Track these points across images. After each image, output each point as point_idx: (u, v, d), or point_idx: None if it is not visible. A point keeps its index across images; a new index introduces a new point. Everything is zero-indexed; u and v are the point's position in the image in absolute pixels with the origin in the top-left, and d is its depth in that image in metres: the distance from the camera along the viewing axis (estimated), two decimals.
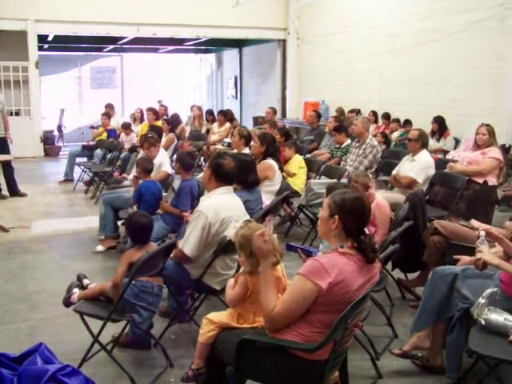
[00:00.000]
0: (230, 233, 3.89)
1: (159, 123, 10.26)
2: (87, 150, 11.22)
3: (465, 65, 9.68)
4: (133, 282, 3.64)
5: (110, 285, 3.79)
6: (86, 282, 4.14)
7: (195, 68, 23.08)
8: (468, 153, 6.88)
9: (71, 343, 4.09)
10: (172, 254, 4.03)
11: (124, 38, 16.00)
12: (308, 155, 8.90)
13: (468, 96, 9.58)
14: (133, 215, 4.32)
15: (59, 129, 18.42)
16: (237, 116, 14.89)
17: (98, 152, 10.65)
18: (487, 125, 6.56)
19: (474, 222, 4.21)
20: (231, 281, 3.19)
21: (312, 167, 7.69)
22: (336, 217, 2.80)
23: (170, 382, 3.70)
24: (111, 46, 18.64)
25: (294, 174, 7.35)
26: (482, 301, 3.33)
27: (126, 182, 7.49)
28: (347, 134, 8.45)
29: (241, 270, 3.27)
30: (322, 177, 7.26)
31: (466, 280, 3.64)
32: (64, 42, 16.84)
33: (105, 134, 11.35)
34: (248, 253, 3.02)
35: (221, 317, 3.08)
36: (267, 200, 5.82)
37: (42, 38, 14.51)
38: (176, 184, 7.05)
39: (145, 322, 3.85)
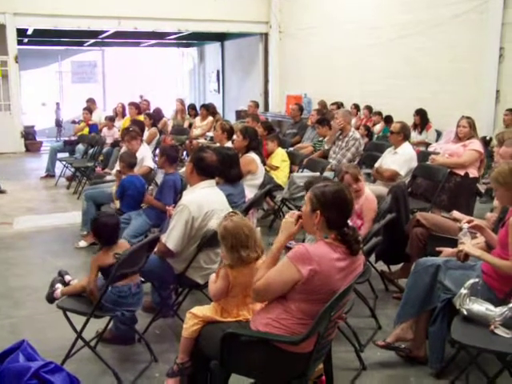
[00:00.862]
0: (214, 223, 3.86)
1: (141, 118, 10.20)
2: (69, 145, 11.11)
3: (445, 58, 9.75)
4: (110, 288, 3.61)
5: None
6: (67, 278, 4.08)
7: (177, 62, 22.97)
8: (449, 145, 6.92)
9: (54, 340, 4.05)
10: (155, 249, 4.01)
11: (105, 31, 15.87)
12: (291, 148, 8.90)
13: (449, 89, 9.65)
14: (98, 216, 4.07)
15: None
16: (219, 110, 14.84)
17: (80, 147, 10.56)
18: (468, 117, 6.61)
19: (456, 214, 4.25)
20: (213, 275, 3.19)
21: (295, 160, 7.70)
22: (317, 212, 2.79)
23: (155, 377, 3.69)
24: (92, 40, 18.49)
25: (277, 168, 7.35)
26: (463, 291, 3.36)
27: (108, 177, 7.44)
28: (330, 126, 8.46)
29: (222, 263, 3.27)
30: (305, 170, 7.27)
31: (449, 271, 3.67)
32: (44, 36, 16.67)
33: (86, 129, 11.26)
34: (229, 246, 3.01)
35: (204, 311, 3.08)
36: (250, 194, 5.82)
37: (21, 32, 14.33)
38: (159, 178, 7.02)
39: (128, 318, 3.84)
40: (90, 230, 4.25)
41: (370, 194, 4.85)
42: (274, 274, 2.77)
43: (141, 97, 15.65)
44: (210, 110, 11.96)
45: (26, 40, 17.05)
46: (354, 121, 10.39)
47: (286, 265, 2.72)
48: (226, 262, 3.06)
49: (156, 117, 10.74)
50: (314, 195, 2.82)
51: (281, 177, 7.27)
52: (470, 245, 3.67)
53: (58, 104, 18.79)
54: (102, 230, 3.87)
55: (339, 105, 11.61)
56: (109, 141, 10.08)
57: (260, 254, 3.05)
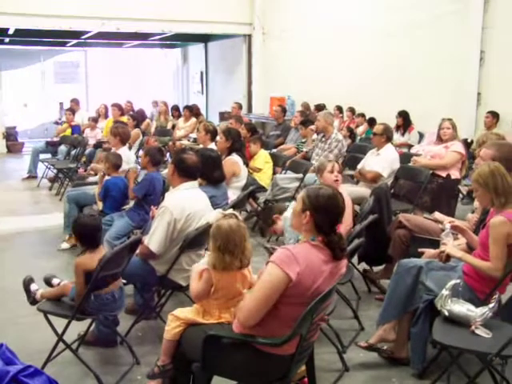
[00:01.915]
0: (210, 217, 3.78)
1: (124, 119, 10.15)
2: (51, 147, 11.04)
3: (427, 61, 9.82)
4: (92, 298, 3.59)
5: (72, 286, 3.71)
6: (55, 282, 4.02)
7: (161, 63, 22.88)
8: (431, 147, 6.98)
9: (35, 343, 4.02)
10: (137, 251, 3.99)
11: (88, 32, 15.75)
12: (274, 150, 8.91)
13: (431, 91, 9.71)
14: (79, 218, 4.00)
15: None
16: (203, 111, 14.81)
17: (62, 148, 10.50)
18: (449, 119, 6.67)
19: (438, 215, 4.29)
20: (195, 273, 3.10)
21: (278, 162, 7.71)
22: (307, 212, 2.78)
23: (137, 380, 3.67)
24: (75, 41, 18.34)
25: (261, 170, 7.35)
26: (445, 292, 3.39)
27: (90, 179, 7.40)
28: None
29: (202, 261, 3.20)
30: (288, 171, 7.28)
31: (430, 272, 3.70)
32: (26, 36, 16.49)
33: (69, 130, 11.19)
34: (216, 246, 2.94)
35: (186, 313, 3.06)
36: (233, 195, 5.82)
37: (2, 32, 14.17)
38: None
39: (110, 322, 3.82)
40: (72, 231, 4.20)
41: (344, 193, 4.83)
42: (260, 287, 2.69)
43: (128, 102, 15.55)
44: (193, 111, 11.95)
45: (7, 40, 16.88)
46: (337, 122, 10.43)
47: (273, 270, 2.65)
48: (208, 262, 3.02)
49: (139, 118, 10.70)
50: (307, 196, 2.81)
51: (264, 178, 7.27)
52: (451, 246, 3.71)
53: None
54: (83, 232, 3.79)
55: (322, 107, 11.64)
56: (91, 142, 10.03)
57: (245, 265, 3.00)
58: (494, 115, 8.64)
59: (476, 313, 3.29)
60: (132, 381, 3.68)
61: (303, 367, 3.16)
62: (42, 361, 3.56)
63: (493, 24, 8.82)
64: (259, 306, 2.68)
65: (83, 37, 16.68)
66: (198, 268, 3.10)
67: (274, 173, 7.53)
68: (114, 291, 3.76)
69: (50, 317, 3.64)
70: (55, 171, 9.82)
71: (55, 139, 11.23)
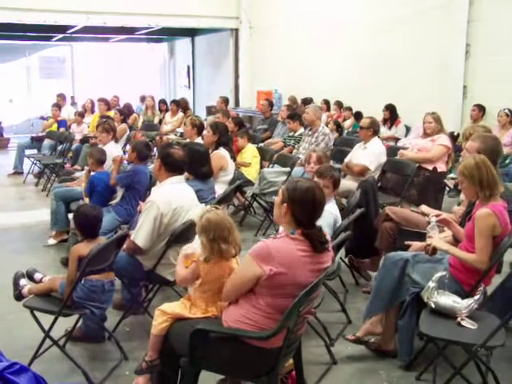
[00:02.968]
0: (192, 215, 3.80)
1: (111, 114, 10.09)
2: (37, 142, 10.95)
3: (414, 54, 9.85)
4: (82, 282, 3.58)
5: (61, 282, 3.71)
6: (37, 276, 4.03)
7: (147, 57, 22.77)
8: (418, 140, 7.00)
9: (22, 339, 3.98)
10: (124, 246, 3.97)
11: (73, 26, 15.63)
12: (261, 144, 8.90)
13: (418, 85, 9.74)
14: (80, 207, 4.14)
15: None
16: (190, 105, 14.76)
17: (47, 143, 10.42)
18: (433, 113, 6.69)
19: (424, 208, 4.30)
20: (181, 256, 3.18)
21: (265, 156, 7.70)
22: (285, 205, 2.82)
23: (125, 375, 3.67)
24: (60, 35, 18.19)
25: (249, 164, 7.35)
26: (431, 285, 3.41)
27: (77, 174, 7.35)
28: (301, 122, 8.49)
29: (190, 244, 3.24)
30: (275, 165, 7.28)
31: (417, 265, 3.72)
32: (10, 31, 16.33)
33: (55, 126, 11.10)
34: (211, 237, 2.95)
35: (173, 307, 3.06)
36: (220, 190, 5.80)
37: None
38: None
39: (97, 316, 3.80)
40: (73, 220, 4.22)
41: None
42: (237, 273, 2.86)
43: (115, 96, 15.44)
44: (181, 105, 11.89)
45: None
46: (324, 116, 10.43)
47: (248, 262, 2.76)
48: (201, 256, 3.02)
49: (126, 113, 10.64)
50: (286, 189, 2.86)
51: (251, 172, 7.26)
52: (437, 239, 3.72)
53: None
54: (83, 221, 3.88)
55: (309, 101, 11.64)
56: (78, 137, 9.96)
57: (237, 253, 3.04)
58: (480, 108, 8.69)
59: (462, 304, 3.31)
60: (120, 376, 3.67)
61: (291, 360, 3.17)
62: (29, 357, 3.55)
63: (478, 17, 8.86)
64: (234, 289, 2.86)
65: (69, 31, 16.55)
66: (186, 251, 3.16)
67: (262, 167, 7.52)
68: (105, 282, 3.77)
69: (37, 313, 3.62)
70: (41, 167, 9.76)
71: (41, 134, 11.15)
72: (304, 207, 2.80)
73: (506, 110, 8.24)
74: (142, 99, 15.47)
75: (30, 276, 4.05)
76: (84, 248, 3.67)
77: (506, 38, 8.38)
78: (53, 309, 3.57)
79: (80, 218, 3.92)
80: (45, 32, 17.09)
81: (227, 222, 3.01)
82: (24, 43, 19.65)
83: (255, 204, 7.35)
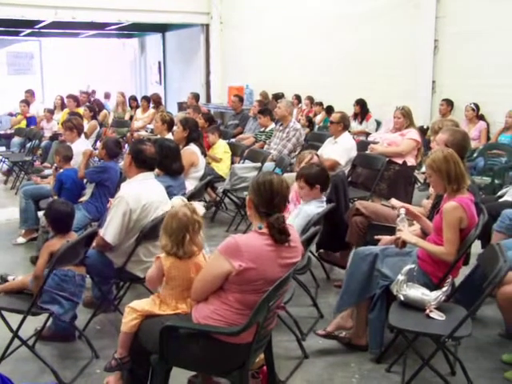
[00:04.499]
0: (167, 207, 3.75)
1: (80, 110, 9.99)
2: (5, 139, 10.79)
3: (384, 49, 9.94)
4: (54, 271, 3.54)
5: (30, 279, 3.68)
6: (10, 279, 4.00)
7: (118, 53, 22.55)
8: (388, 134, 7.07)
9: None
10: (94, 243, 3.94)
11: (41, 21, 15.39)
12: (232, 140, 8.89)
13: (388, 80, 9.83)
14: (53, 203, 4.15)
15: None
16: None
17: (15, 140, 10.27)
18: (402, 108, 6.75)
19: (394, 201, 4.33)
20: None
21: (236, 151, 7.70)
22: (248, 197, 2.89)
23: (96, 374, 3.63)
24: (28, 30, 17.90)
25: (221, 159, 7.33)
26: (400, 277, 3.45)
27: (46, 171, 7.27)
28: (272, 117, 8.50)
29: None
30: (246, 161, 7.28)
31: (386, 259, 3.75)
32: None
33: (24, 122, 10.95)
34: (179, 231, 2.94)
35: (143, 304, 3.03)
36: (190, 186, 5.77)
37: None
38: None
39: (67, 312, 3.73)
40: (44, 216, 4.18)
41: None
42: (206, 269, 2.86)
43: (88, 86, 15.27)
44: (154, 100, 11.80)
45: None
46: (295, 111, 10.46)
47: (216, 258, 2.76)
48: (163, 250, 3.00)
49: (96, 109, 10.53)
50: (251, 183, 2.92)
51: (222, 168, 7.25)
52: (406, 232, 3.76)
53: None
54: (56, 217, 3.90)
55: (280, 96, 11.65)
56: (47, 134, 9.84)
57: (198, 252, 3.03)
58: (449, 103, 8.80)
59: (430, 296, 3.36)
60: (91, 375, 3.64)
61: (262, 355, 3.17)
62: None
63: (445, 13, 9.00)
64: (203, 287, 2.84)
65: (37, 26, 16.29)
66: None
67: (233, 162, 7.51)
68: (76, 274, 3.76)
69: (4, 313, 3.56)
70: (10, 164, 9.60)
71: (9, 131, 10.98)
72: (262, 196, 2.84)
73: (472, 105, 8.36)
74: (107, 96, 15.33)
75: (4, 280, 4.02)
76: (56, 244, 3.67)
77: (473, 34, 8.51)
78: (20, 308, 3.51)
79: (53, 214, 3.94)
80: (12, 27, 16.78)
81: (198, 221, 3.00)
82: None
83: (226, 200, 7.34)
